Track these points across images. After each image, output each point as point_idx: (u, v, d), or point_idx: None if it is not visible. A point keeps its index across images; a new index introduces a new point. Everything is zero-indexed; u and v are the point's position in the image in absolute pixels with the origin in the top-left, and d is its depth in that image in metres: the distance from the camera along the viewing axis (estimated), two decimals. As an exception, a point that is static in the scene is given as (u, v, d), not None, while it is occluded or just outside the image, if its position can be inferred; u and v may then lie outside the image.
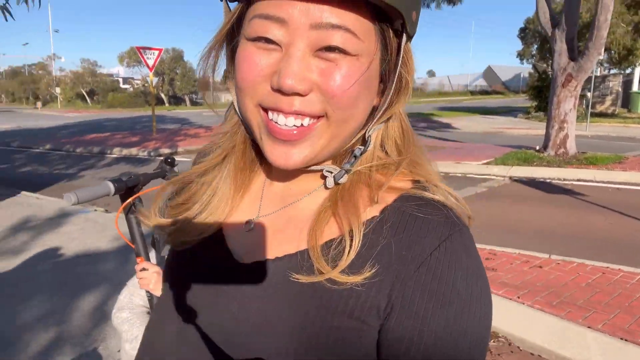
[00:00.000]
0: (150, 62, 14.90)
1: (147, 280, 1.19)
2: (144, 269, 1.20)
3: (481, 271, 0.51)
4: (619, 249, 4.32)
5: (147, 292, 1.29)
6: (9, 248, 4.42)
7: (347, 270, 0.49)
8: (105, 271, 3.84)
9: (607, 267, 3.73)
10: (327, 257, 0.50)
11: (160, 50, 15.54)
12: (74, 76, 57.88)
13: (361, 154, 0.55)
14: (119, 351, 2.64)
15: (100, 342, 2.75)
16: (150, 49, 15.08)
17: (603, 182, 7.23)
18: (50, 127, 21.53)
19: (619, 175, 7.39)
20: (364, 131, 0.55)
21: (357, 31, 0.47)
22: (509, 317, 3.06)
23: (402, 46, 0.50)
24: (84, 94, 57.52)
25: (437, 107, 32.47)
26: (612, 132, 14.76)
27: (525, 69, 47.74)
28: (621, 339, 2.70)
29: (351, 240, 0.50)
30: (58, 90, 54.92)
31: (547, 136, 9.15)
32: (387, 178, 0.54)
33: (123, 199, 1.25)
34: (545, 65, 22.20)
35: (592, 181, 7.32)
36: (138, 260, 1.28)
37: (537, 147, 9.56)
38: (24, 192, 6.87)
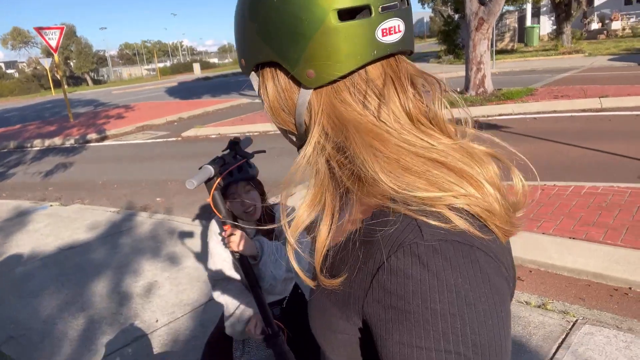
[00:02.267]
0: (53, 43, 13.80)
1: (235, 242, 1.49)
2: (232, 234, 1.50)
3: (449, 285, 0.45)
4: (547, 169, 5.06)
5: (235, 252, 1.56)
6: (-17, 254, 4.29)
7: (327, 274, 0.58)
8: (98, 258, 3.90)
9: (544, 185, 4.42)
10: (324, 260, 0.60)
11: (62, 28, 14.39)
12: (-52, 66, 51.33)
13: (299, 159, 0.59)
14: (156, 321, 2.85)
15: (134, 318, 2.91)
16: (49, 28, 13.93)
17: (521, 114, 8.12)
18: (-58, 126, 19.31)
19: (532, 106, 8.32)
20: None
21: (252, 80, 0.65)
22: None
23: (258, 79, 0.62)
24: (-35, 85, 51.37)
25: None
26: (515, 67, 16.16)
27: (427, 13, 49.31)
28: (569, 237, 3.35)
29: (328, 248, 0.59)
30: None
31: (467, 78, 9.94)
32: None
33: (209, 180, 1.48)
34: (447, 9, 23.25)
35: (511, 114, 8.19)
36: (225, 228, 1.55)
37: (459, 89, 10.35)
38: (-41, 198, 6.44)
